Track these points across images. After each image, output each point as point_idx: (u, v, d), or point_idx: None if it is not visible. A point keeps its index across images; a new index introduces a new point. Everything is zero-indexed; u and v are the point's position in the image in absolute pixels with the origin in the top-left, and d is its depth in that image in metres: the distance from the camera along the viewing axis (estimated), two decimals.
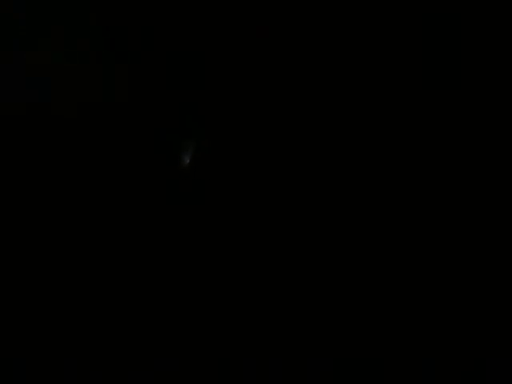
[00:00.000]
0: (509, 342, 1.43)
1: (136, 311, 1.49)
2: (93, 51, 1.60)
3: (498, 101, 1.55)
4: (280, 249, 1.54)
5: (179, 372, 1.45)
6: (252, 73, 1.62)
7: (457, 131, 1.55)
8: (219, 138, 1.60)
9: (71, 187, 1.56)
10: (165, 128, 1.60)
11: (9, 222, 1.52)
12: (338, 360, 1.46)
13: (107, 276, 1.51)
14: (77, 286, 1.50)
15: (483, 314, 1.46)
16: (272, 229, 1.55)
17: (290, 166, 1.58)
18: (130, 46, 1.60)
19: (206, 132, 1.60)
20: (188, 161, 1.55)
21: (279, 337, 1.48)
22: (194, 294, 1.51)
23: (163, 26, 1.60)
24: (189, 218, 1.56)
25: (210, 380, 1.44)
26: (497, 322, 1.45)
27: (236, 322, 1.49)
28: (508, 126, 1.54)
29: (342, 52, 1.59)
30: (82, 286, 1.50)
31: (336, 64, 1.60)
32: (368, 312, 1.49)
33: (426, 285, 1.50)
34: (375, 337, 1.47)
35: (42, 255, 1.51)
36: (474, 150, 1.54)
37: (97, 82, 1.61)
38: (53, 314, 1.48)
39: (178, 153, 1.58)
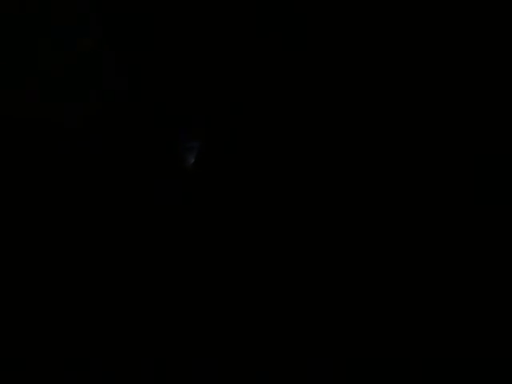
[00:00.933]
0: (509, 341, 1.43)
1: (138, 312, 1.50)
2: (93, 51, 1.60)
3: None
4: (283, 249, 1.54)
5: (180, 371, 1.45)
6: (254, 73, 1.62)
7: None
8: (223, 138, 1.61)
9: (73, 187, 1.56)
10: (169, 128, 1.60)
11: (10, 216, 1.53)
12: (338, 360, 1.46)
13: (108, 276, 1.52)
14: (78, 286, 1.50)
15: (483, 314, 1.47)
16: (275, 230, 1.55)
17: (295, 167, 1.58)
18: (131, 45, 1.60)
19: (209, 131, 1.60)
20: (192, 161, 1.55)
21: (278, 337, 1.48)
22: (197, 295, 1.51)
23: (166, 26, 1.60)
24: (192, 219, 1.56)
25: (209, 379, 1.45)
26: (497, 322, 1.46)
27: (237, 322, 1.49)
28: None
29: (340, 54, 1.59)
30: (83, 286, 1.51)
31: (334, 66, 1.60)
32: (368, 312, 1.50)
33: (427, 285, 1.50)
34: (375, 337, 1.47)
35: (48, 254, 1.52)
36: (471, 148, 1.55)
37: (97, 81, 1.61)
38: (52, 314, 1.48)
39: (183, 153, 1.58)
